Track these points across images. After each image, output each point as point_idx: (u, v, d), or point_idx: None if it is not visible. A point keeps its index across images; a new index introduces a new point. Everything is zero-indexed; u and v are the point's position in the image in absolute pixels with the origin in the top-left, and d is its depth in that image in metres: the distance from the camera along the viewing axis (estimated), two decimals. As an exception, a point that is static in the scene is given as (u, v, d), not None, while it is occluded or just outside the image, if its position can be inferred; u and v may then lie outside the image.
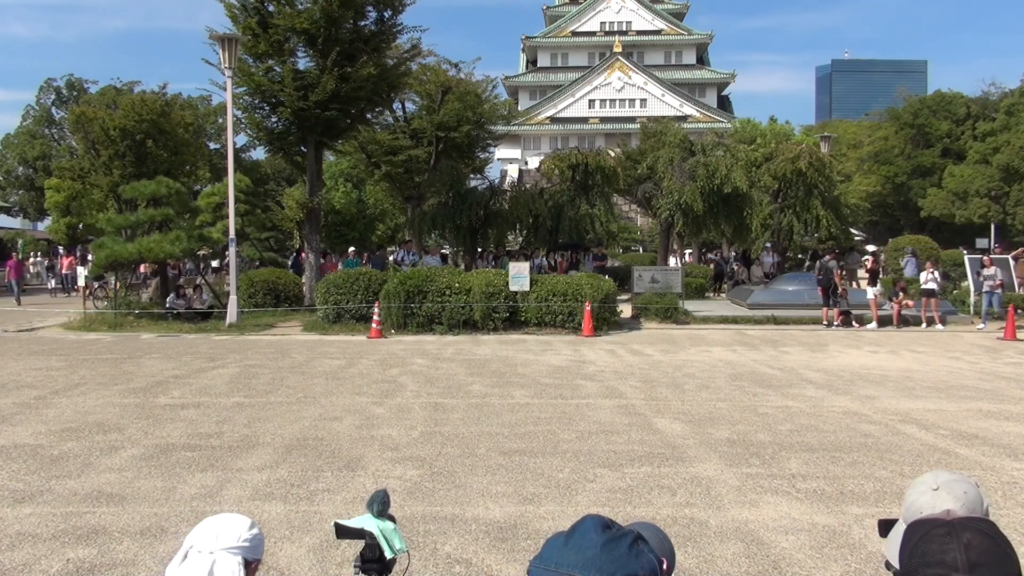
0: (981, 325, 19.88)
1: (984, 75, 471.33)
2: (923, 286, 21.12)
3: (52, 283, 35.52)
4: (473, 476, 7.27)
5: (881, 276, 24.26)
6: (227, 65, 20.80)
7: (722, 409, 10.31)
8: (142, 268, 29.77)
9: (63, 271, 35.00)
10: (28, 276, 36.11)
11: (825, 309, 21.30)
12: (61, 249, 38.47)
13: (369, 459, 7.85)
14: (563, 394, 11.41)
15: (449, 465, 7.62)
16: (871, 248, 39.03)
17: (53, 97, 57.87)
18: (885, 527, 2.08)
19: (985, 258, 22.08)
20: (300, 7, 22.34)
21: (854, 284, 21.44)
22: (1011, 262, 24.91)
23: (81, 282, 29.71)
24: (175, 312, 21.60)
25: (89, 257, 32.14)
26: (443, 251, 33.86)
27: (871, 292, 21.32)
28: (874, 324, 20.89)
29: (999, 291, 20.18)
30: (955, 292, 24.85)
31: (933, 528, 1.74)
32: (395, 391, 11.61)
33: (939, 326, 20.50)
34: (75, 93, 56.44)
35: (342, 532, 2.28)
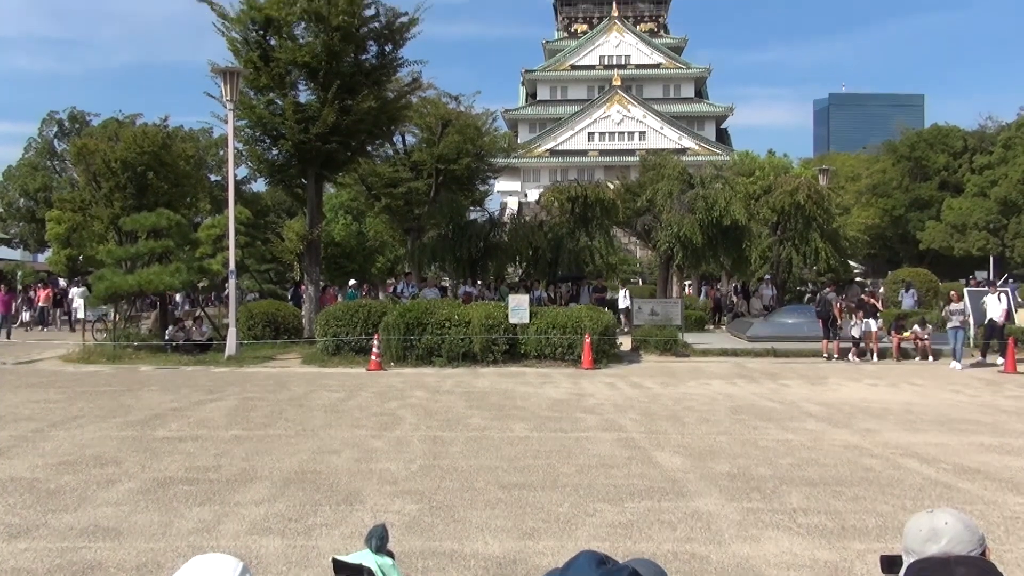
0: (955, 365, 19.21)
1: (981, 109, 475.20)
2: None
3: (27, 316, 33.97)
4: (472, 510, 7.21)
5: (881, 309, 24.20)
6: (229, 98, 20.97)
7: (722, 443, 10.26)
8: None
9: (39, 303, 33.85)
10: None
11: (825, 342, 21.28)
12: (62, 281, 38.24)
13: (367, 493, 7.80)
14: (562, 427, 11.36)
15: (448, 499, 7.57)
16: (858, 280, 39.01)
17: (55, 129, 58.18)
18: (888, 563, 2.08)
19: (953, 293, 22.14)
20: (302, 41, 22.58)
21: (853, 318, 21.40)
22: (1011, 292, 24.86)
23: (80, 314, 29.60)
24: (174, 344, 21.56)
25: (73, 291, 31.80)
26: (442, 281, 33.84)
27: (872, 325, 21.31)
28: (874, 357, 20.86)
29: (966, 328, 20.04)
30: None
31: (929, 564, 1.75)
32: (394, 424, 11.56)
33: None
34: (77, 125, 56.75)
35: (340, 568, 2.26)
